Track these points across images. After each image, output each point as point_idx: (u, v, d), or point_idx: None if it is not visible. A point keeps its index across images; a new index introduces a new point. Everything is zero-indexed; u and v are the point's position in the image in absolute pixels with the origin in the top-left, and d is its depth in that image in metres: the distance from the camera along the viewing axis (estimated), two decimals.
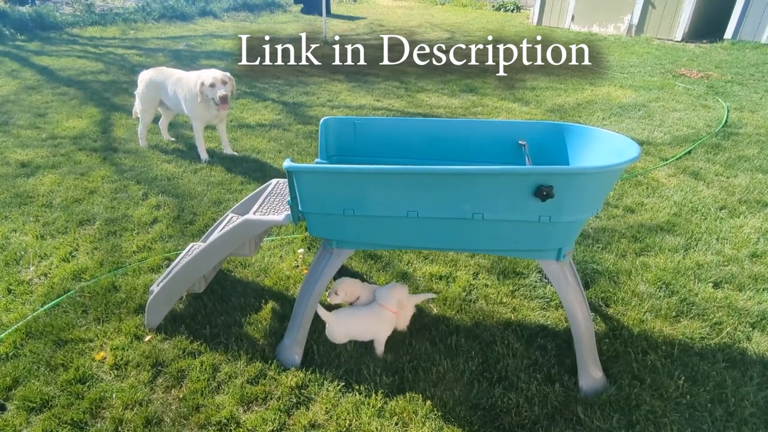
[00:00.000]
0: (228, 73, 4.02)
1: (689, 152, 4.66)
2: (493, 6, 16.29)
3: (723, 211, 3.60)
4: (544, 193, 1.73)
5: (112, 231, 3.24)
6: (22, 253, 2.98)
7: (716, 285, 2.78)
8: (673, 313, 2.54)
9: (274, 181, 2.63)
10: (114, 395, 2.03)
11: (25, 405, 1.98)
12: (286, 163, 1.89)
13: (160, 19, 12.15)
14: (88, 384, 2.08)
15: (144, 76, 4.32)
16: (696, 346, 2.33)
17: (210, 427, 1.91)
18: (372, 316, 2.25)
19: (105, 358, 2.21)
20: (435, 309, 2.59)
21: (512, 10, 15.71)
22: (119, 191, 3.78)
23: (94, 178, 3.95)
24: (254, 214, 2.26)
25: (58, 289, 2.65)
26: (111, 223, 3.33)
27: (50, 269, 2.84)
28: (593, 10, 11.97)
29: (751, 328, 2.45)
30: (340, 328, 2.27)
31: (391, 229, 1.99)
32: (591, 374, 2.09)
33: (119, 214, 3.44)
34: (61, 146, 4.57)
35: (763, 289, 2.73)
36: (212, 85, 3.91)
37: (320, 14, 11.10)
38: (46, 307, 2.52)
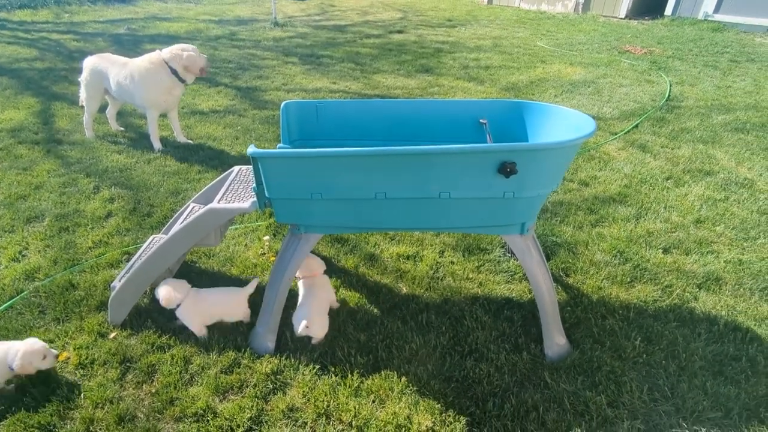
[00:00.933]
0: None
1: (636, 126, 4.89)
2: None
3: (669, 181, 3.82)
4: (508, 169, 1.78)
5: (64, 227, 3.08)
6: None
7: (665, 251, 2.97)
8: (628, 279, 2.70)
9: (236, 168, 2.57)
10: (82, 395, 1.96)
11: None
12: (251, 150, 1.85)
13: (97, 1, 11.41)
14: (52, 386, 2.00)
15: (88, 63, 4.07)
16: (650, 308, 2.50)
17: (186, 420, 1.89)
18: None
19: (69, 358, 2.13)
20: (404, 288, 2.63)
21: None
22: (68, 185, 3.58)
23: (39, 173, 3.72)
24: (219, 202, 2.21)
25: (10, 291, 2.51)
26: (62, 218, 3.16)
27: None
28: None
29: (698, 289, 2.64)
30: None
31: (359, 212, 2.00)
32: (555, 341, 2.21)
33: (70, 209, 3.27)
34: None
35: (708, 252, 2.94)
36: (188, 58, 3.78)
37: None
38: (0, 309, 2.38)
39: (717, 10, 10.05)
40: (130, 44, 7.81)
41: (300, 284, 2.39)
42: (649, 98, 5.72)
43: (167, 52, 3.81)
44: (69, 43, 7.80)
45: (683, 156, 4.22)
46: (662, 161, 4.14)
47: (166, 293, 2.18)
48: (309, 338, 2.26)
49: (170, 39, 8.28)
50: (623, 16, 11.19)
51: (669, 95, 5.80)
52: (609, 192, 3.63)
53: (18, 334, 2.23)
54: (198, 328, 2.25)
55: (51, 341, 2.22)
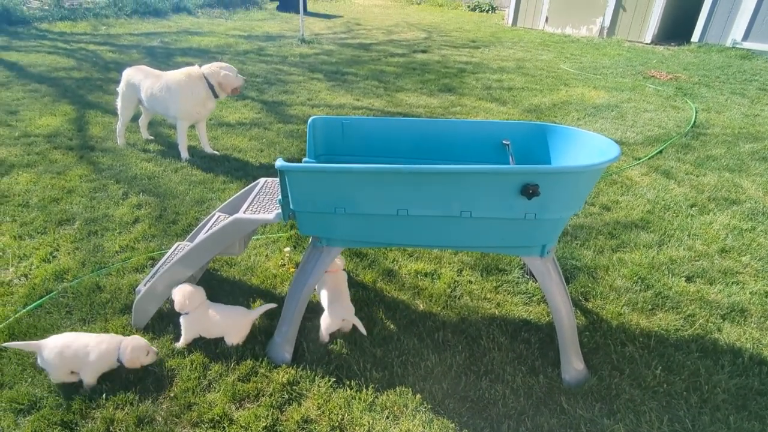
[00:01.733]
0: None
1: (660, 152, 4.85)
2: (469, 6, 16.49)
3: (693, 208, 3.77)
4: (530, 191, 1.80)
5: (93, 231, 3.18)
6: (0, 254, 2.90)
7: (689, 279, 2.92)
8: (649, 307, 2.66)
9: (262, 179, 2.63)
10: (104, 396, 2.01)
11: (12, 407, 1.95)
12: (279, 163, 1.91)
13: (133, 14, 11.87)
14: (75, 385, 2.06)
15: (125, 74, 4.24)
16: (671, 337, 2.45)
17: (203, 425, 1.92)
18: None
19: None
20: (421, 305, 2.64)
21: (487, 11, 15.94)
22: (98, 190, 3.71)
23: (72, 177, 3.86)
24: (244, 212, 2.26)
25: (40, 290, 2.59)
26: (91, 222, 3.27)
27: (30, 270, 2.78)
28: (566, 12, 12.26)
29: (721, 320, 2.58)
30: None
31: (380, 227, 2.03)
32: (573, 366, 2.18)
33: (99, 214, 3.38)
34: (36, 144, 4.44)
35: (733, 283, 2.88)
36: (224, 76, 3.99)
37: (296, 12, 11.04)
38: (28, 308, 2.46)
39: (746, 37, 9.95)
40: (162, 57, 8.09)
41: (323, 280, 2.41)
42: (674, 124, 5.67)
43: (207, 67, 4.03)
44: (105, 54, 8.12)
45: (708, 184, 4.16)
46: (687, 188, 4.09)
47: (182, 298, 2.23)
48: (326, 350, 2.28)
49: (200, 53, 8.55)
50: (649, 42, 11.16)
51: (695, 122, 5.74)
52: (631, 217, 3.59)
53: (45, 333, 2.30)
54: (187, 340, 2.26)
55: None
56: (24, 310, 2.45)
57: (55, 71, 6.89)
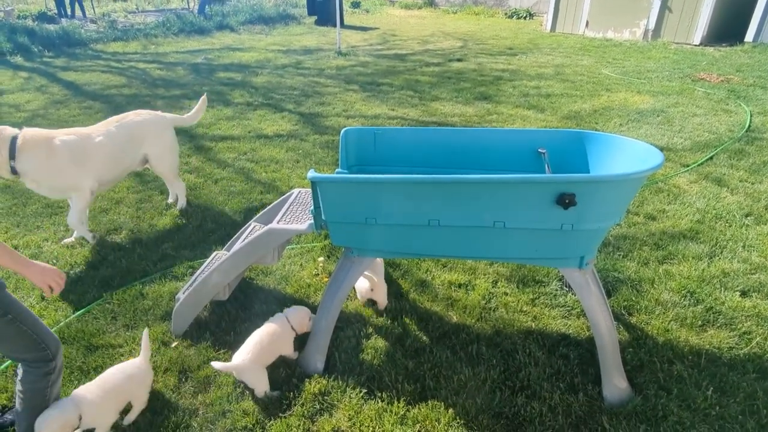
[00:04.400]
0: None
1: (711, 158, 4.60)
2: (506, 14, 16.31)
3: (749, 218, 3.54)
4: (567, 201, 1.74)
5: (138, 240, 3.33)
6: (54, 261, 3.08)
7: (744, 294, 2.73)
8: (699, 322, 2.50)
9: (296, 190, 2.67)
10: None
11: None
12: (311, 174, 1.93)
13: (179, 33, 12.46)
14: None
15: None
16: (724, 356, 2.29)
17: None
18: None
19: None
20: (455, 317, 2.59)
21: (525, 17, 15.71)
22: (144, 201, 3.88)
23: (120, 189, 4.06)
24: (278, 223, 2.30)
25: (89, 297, 2.73)
26: (137, 232, 3.42)
27: (80, 277, 2.93)
28: (608, 15, 11.91)
29: None
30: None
31: (412, 238, 2.01)
32: (615, 384, 2.07)
33: (144, 224, 3.53)
34: None
35: None
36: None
37: (334, 26, 11.25)
38: (78, 313, 2.59)
39: None
40: (205, 72, 8.43)
41: None
42: (726, 129, 5.37)
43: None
44: (153, 71, 8.54)
45: (766, 191, 3.90)
46: (741, 196, 3.85)
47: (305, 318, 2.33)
48: (357, 361, 2.27)
49: (241, 68, 8.85)
50: (698, 43, 10.67)
51: (749, 126, 5.41)
52: (679, 227, 3.41)
53: (92, 337, 2.42)
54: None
55: (120, 346, 2.39)
56: (74, 316, 2.57)
57: (107, 89, 7.31)
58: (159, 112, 3.54)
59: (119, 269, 2.98)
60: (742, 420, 1.96)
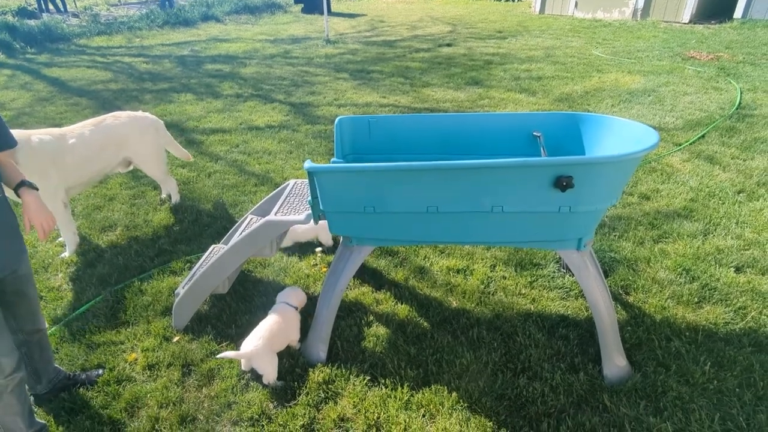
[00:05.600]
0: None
1: (703, 136, 4.62)
2: None
3: (741, 194, 3.57)
4: (564, 183, 1.75)
5: (134, 236, 3.30)
6: (50, 261, 3.05)
7: (738, 269, 2.77)
8: (696, 299, 2.54)
9: (292, 181, 2.66)
10: (148, 395, 2.08)
11: (65, 406, 2.04)
12: (307, 164, 1.92)
13: (164, 25, 12.25)
14: (123, 384, 2.14)
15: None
16: (720, 331, 2.33)
17: (242, 423, 1.96)
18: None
19: (137, 359, 2.27)
20: (455, 302, 2.61)
21: (513, 0, 15.59)
22: (137, 197, 3.84)
23: (113, 186, 4.02)
24: (275, 214, 2.29)
25: (88, 295, 2.71)
26: (132, 228, 3.40)
27: (77, 275, 2.91)
28: None
29: None
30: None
31: (410, 225, 2.01)
32: (615, 362, 2.11)
33: (139, 220, 3.50)
34: None
35: None
36: None
37: (321, 14, 11.10)
38: (77, 312, 2.58)
39: None
40: (193, 65, 8.31)
41: None
42: (717, 107, 5.39)
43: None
44: (139, 65, 8.41)
45: (757, 168, 3.94)
46: (733, 173, 3.88)
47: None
48: (360, 349, 2.28)
49: (229, 59, 8.73)
50: (687, 21, 10.66)
51: (740, 103, 5.44)
52: (673, 206, 3.44)
53: (93, 335, 2.41)
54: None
55: (121, 342, 2.38)
56: (73, 314, 2.56)
57: (93, 84, 7.19)
58: (140, 113, 3.44)
59: (116, 266, 2.96)
60: (739, 393, 2.00)
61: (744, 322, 2.38)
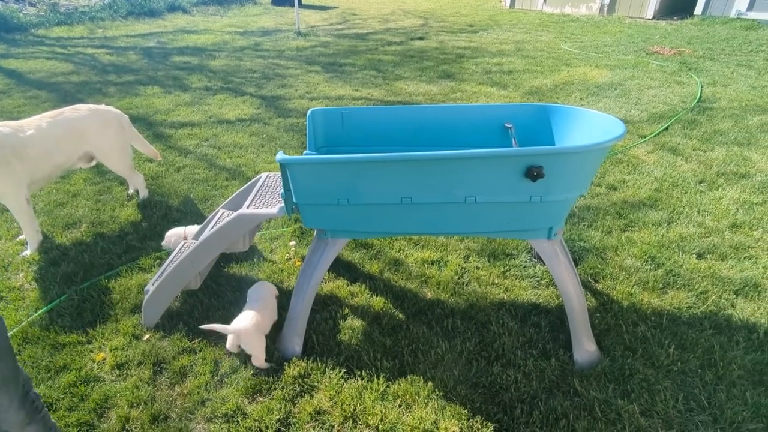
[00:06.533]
0: None
1: (666, 128, 4.78)
2: None
3: (702, 184, 3.72)
4: (535, 173, 1.78)
5: (100, 233, 3.19)
6: (10, 260, 2.92)
7: (700, 256, 2.88)
8: (660, 285, 2.63)
9: (264, 174, 2.62)
10: (118, 395, 2.02)
11: None
12: (280, 156, 1.89)
13: (128, 16, 11.84)
14: (90, 385, 2.07)
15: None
16: (684, 315, 2.43)
17: (217, 420, 1.93)
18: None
19: (105, 359, 2.20)
20: (429, 293, 2.63)
21: None
22: (103, 193, 3.72)
23: (76, 181, 3.87)
24: (247, 208, 2.26)
25: (51, 294, 2.61)
26: (98, 225, 3.28)
27: (40, 274, 2.79)
28: None
29: (734, 296, 2.55)
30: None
31: (385, 217, 2.01)
32: (585, 348, 2.17)
33: (105, 216, 3.38)
34: None
35: (744, 258, 2.85)
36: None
37: (291, 5, 10.93)
38: (40, 312, 2.48)
39: (750, 7, 9.77)
40: (159, 57, 8.07)
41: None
42: (680, 100, 5.58)
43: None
44: (103, 57, 8.11)
45: (717, 158, 4.10)
46: (694, 164, 4.03)
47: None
48: (335, 341, 2.28)
49: (197, 51, 8.52)
50: (650, 17, 10.98)
51: (700, 96, 5.65)
52: (638, 196, 3.55)
53: (57, 335, 2.32)
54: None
55: (88, 342, 2.31)
56: (36, 314, 2.46)
57: (54, 76, 6.90)
58: (102, 106, 3.31)
59: (82, 264, 2.86)
60: (701, 373, 2.09)
61: (705, 306, 2.48)
